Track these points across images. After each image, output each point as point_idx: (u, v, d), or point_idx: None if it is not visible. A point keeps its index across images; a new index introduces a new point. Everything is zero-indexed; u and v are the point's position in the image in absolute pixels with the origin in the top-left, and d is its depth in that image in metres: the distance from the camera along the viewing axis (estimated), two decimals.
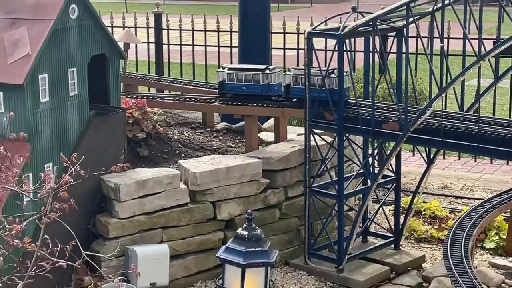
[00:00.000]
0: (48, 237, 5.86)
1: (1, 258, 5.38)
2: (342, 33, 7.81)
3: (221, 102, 9.75)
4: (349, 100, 8.34)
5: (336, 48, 7.89)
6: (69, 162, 6.25)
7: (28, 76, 7.03)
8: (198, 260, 8.20)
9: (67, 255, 5.86)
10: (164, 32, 14.85)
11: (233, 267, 4.85)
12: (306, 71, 8.20)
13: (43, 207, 6.02)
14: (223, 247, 4.99)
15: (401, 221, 8.83)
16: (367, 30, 7.99)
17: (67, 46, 7.48)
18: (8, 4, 7.59)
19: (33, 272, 5.70)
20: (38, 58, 7.12)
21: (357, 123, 8.03)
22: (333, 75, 8.15)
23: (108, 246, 7.58)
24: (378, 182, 8.31)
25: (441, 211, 9.88)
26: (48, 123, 7.35)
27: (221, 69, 9.49)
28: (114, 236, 7.68)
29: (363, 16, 7.97)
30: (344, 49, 7.88)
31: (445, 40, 7.85)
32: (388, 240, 8.83)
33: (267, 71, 8.95)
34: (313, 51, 8.16)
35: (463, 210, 9.41)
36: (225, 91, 9.32)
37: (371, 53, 8.48)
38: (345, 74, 8.22)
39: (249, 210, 5.28)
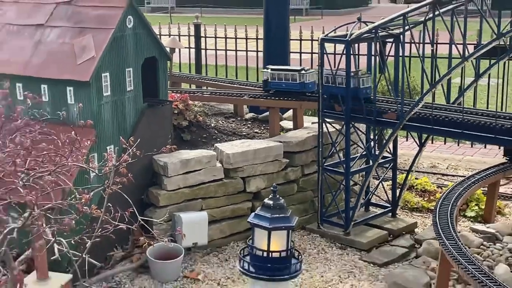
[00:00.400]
0: (110, 205, 5.91)
1: (73, 222, 5.43)
2: (349, 39, 7.79)
3: (249, 96, 9.76)
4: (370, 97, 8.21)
5: (344, 52, 7.89)
6: (127, 144, 6.30)
7: (93, 75, 7.09)
8: (231, 224, 8.24)
9: (126, 220, 5.93)
10: (202, 39, 14.85)
11: (261, 230, 4.82)
12: (319, 71, 8.21)
13: (107, 181, 6.08)
14: (253, 214, 4.94)
15: (397, 194, 8.80)
16: (370, 36, 7.95)
17: (124, 50, 7.51)
18: (76, 16, 7.64)
19: (99, 233, 5.76)
20: (101, 60, 7.17)
21: (362, 114, 8.02)
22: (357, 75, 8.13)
23: (158, 213, 7.63)
24: (378, 162, 8.31)
25: (430, 186, 9.83)
26: (109, 113, 7.42)
27: (265, 70, 9.48)
28: (163, 204, 7.75)
29: (367, 25, 7.93)
30: (351, 52, 7.88)
31: (435, 45, 7.76)
32: (386, 210, 8.80)
33: (303, 72, 8.93)
34: (325, 54, 8.15)
35: (448, 185, 9.34)
36: (268, 88, 9.30)
37: (372, 56, 8.42)
38: (367, 75, 8.22)
39: (274, 184, 5.23)
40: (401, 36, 8.01)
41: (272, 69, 9.27)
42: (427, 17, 7.65)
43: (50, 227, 5.40)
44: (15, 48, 7.64)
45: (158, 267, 7.26)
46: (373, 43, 8.23)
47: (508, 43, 7.35)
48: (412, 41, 8.32)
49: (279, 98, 9.33)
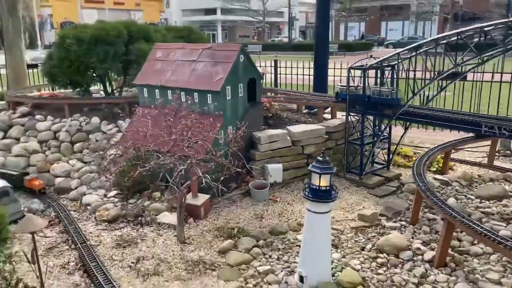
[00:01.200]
0: (231, 158, 6.05)
1: (213, 167, 5.61)
2: (365, 67, 7.61)
3: (306, 99, 9.69)
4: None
5: (362, 75, 7.71)
6: (240, 125, 6.40)
7: (222, 87, 7.21)
8: (295, 171, 8.19)
9: (240, 166, 6.07)
10: (278, 68, 14.77)
11: (315, 174, 4.84)
12: (346, 86, 8.05)
13: (229, 145, 6.22)
14: (311, 165, 4.94)
15: (390, 157, 8.57)
16: (377, 66, 7.73)
17: (238, 74, 7.56)
18: (213, 55, 7.74)
19: (226, 173, 5.93)
20: (226, 79, 7.28)
21: (372, 110, 7.83)
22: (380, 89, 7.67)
23: (256, 164, 7.72)
24: (380, 138, 8.14)
25: (409, 153, 9.52)
26: (230, 108, 7.49)
27: (337, 86, 8.57)
28: (258, 159, 7.80)
29: (375, 59, 7.70)
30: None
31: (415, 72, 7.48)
32: (384, 165, 8.59)
33: (359, 87, 8.01)
34: (351, 77, 7.97)
35: (420, 152, 9.06)
36: (339, 97, 8.41)
37: (378, 78, 8.18)
38: (395, 90, 7.52)
39: (322, 149, 5.20)
40: (396, 66, 7.76)
41: (340, 86, 8.53)
42: (411, 55, 7.36)
43: (200, 169, 5.61)
44: (180, 73, 7.84)
45: (255, 193, 7.38)
46: (378, 70, 7.99)
47: (460, 71, 7.00)
48: (402, 69, 7.97)
49: (323, 101, 9.23)
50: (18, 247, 5.94)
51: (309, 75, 13.75)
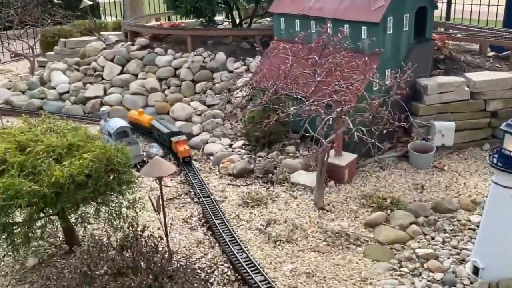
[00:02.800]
0: (391, 109, 5.96)
1: (370, 117, 5.59)
2: None
3: (494, 37, 8.91)
4: None
5: None
6: (405, 68, 6.22)
7: (382, 18, 7.01)
8: (472, 133, 7.78)
9: (402, 120, 5.94)
10: None
11: (510, 136, 4.52)
12: None
13: (390, 92, 6.11)
14: (504, 123, 4.60)
15: None
16: None
17: (404, 0, 7.22)
18: None
19: (386, 128, 5.85)
20: (387, 8, 7.03)
21: None
22: None
23: (419, 119, 7.41)
24: None
25: None
26: (389, 45, 7.29)
27: None
28: (421, 114, 7.54)
29: None
30: None
31: None
32: None
33: None
34: None
35: None
36: None
37: None
38: None
39: None
40: None
41: None
42: None
43: (353, 120, 5.62)
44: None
45: (416, 157, 7.20)
46: None
47: None
48: None
49: None
50: (138, 193, 6.70)
51: (497, 5, 12.51)
